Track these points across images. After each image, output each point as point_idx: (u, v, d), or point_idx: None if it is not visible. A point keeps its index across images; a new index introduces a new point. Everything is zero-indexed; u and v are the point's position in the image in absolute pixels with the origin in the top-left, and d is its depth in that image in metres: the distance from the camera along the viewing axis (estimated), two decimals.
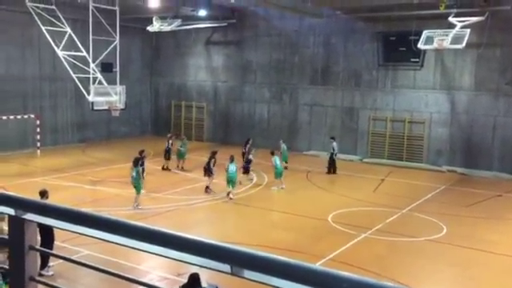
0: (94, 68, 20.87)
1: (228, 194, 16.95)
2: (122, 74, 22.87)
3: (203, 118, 31.46)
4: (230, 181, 17.18)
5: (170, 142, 21.65)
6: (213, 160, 18.28)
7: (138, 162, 16.13)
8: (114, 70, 21.55)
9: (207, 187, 17.53)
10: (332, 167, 21.91)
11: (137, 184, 15.44)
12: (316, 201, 17.32)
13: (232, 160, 17.56)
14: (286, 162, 21.74)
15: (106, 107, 21.43)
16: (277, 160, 18.76)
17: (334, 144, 22.12)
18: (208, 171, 17.82)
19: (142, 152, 17.42)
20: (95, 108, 21.20)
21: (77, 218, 2.15)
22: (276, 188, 18.48)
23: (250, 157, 19.03)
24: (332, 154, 21.97)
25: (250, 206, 16.18)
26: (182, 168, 21.35)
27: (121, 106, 21.80)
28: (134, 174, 15.59)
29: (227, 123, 30.53)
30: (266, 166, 20.84)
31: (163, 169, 21.20)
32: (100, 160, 23.51)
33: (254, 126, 29.40)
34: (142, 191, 15.72)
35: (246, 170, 19.00)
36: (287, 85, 28.16)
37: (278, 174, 18.64)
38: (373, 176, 21.79)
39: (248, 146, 21.76)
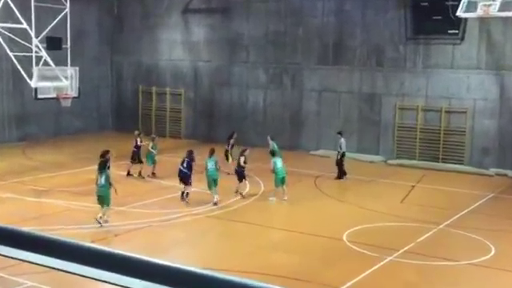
0: (38, 44, 20.76)
1: (215, 203, 17.32)
2: (74, 52, 22.77)
3: (180, 109, 31.46)
4: (211, 182, 17.46)
5: (139, 140, 21.59)
6: (194, 163, 18.48)
7: (106, 163, 16.16)
8: (63, 46, 21.47)
9: (186, 194, 17.94)
10: (339, 171, 21.97)
11: (105, 194, 15.41)
12: (327, 214, 17.35)
13: (211, 154, 18.01)
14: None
15: (53, 95, 21.36)
16: (278, 162, 18.73)
17: (342, 141, 22.19)
18: (184, 178, 17.93)
19: (105, 153, 17.31)
20: (39, 96, 21.12)
21: (17, 239, 2.14)
22: (274, 199, 18.42)
23: (242, 161, 18.84)
24: (339, 153, 22.03)
25: (241, 221, 16.20)
26: (154, 174, 21.34)
27: (73, 93, 21.73)
28: (103, 180, 15.54)
29: (211, 115, 30.53)
30: (262, 169, 20.85)
31: (129, 174, 21.18)
32: (46, 164, 23.44)
33: (245, 118, 29.44)
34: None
35: (241, 177, 18.91)
36: (289, 65, 28.19)
37: (279, 181, 18.47)
38: (400, 182, 21.86)
39: (232, 141, 21.86)
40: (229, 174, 20.43)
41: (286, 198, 18.39)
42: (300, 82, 28.07)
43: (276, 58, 28.50)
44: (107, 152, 17.61)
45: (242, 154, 19.09)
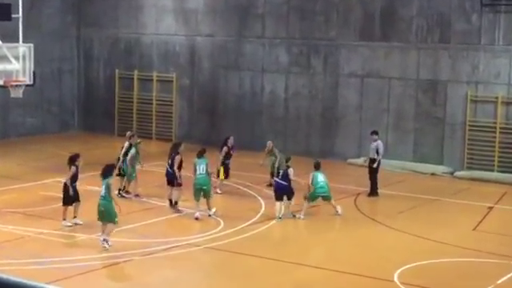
0: None
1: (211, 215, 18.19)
2: (27, 24, 22.88)
3: (171, 101, 31.56)
4: (197, 192, 18.34)
5: (126, 144, 21.37)
6: (177, 158, 19.27)
7: (111, 170, 16.85)
8: (13, 16, 21.59)
9: (171, 201, 19.31)
10: (372, 184, 22.14)
11: (107, 208, 15.95)
12: (372, 247, 17.28)
13: (201, 154, 18.86)
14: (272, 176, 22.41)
15: None
16: (318, 176, 19.57)
17: (378, 144, 22.18)
18: (171, 178, 19.18)
19: (75, 158, 17.60)
20: None
21: None
22: (301, 216, 19.00)
23: (291, 174, 19.37)
24: (370, 160, 22.18)
25: (254, 255, 16.18)
26: (126, 190, 21.12)
27: (26, 79, 21.82)
28: (103, 191, 15.98)
29: (213, 109, 30.59)
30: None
31: (127, 192, 21.16)
32: None
33: (260, 113, 29.48)
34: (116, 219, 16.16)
35: (289, 193, 19.42)
36: (320, 41, 28.19)
37: (316, 196, 19.49)
38: (472, 202, 21.74)
39: (225, 149, 21.98)
40: (217, 193, 21.14)
41: (339, 211, 19.53)
42: (335, 65, 28.05)
43: (302, 31, 28.50)
44: (77, 157, 17.72)
45: (286, 163, 19.62)
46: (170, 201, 19.46)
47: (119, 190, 20.66)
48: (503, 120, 25.30)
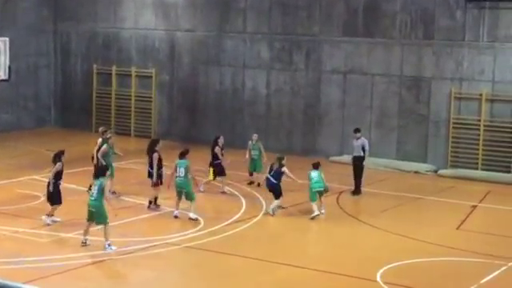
0: None
1: (192, 219, 18.15)
2: (3, 18, 22.66)
3: (151, 97, 31.44)
4: (178, 192, 18.45)
5: (101, 140, 21.12)
6: (155, 156, 19.35)
7: (106, 170, 16.86)
8: None
9: (151, 202, 19.35)
10: (356, 182, 22.22)
11: (100, 210, 15.82)
12: (355, 246, 17.27)
13: (182, 155, 18.83)
14: (256, 172, 22.91)
15: None
16: (311, 173, 19.71)
17: (364, 141, 22.28)
18: (152, 177, 19.38)
19: (59, 155, 17.49)
20: None
21: None
22: (319, 213, 19.27)
23: (287, 171, 19.50)
24: (357, 158, 22.23)
25: (236, 254, 16.13)
26: (114, 192, 20.95)
27: (1, 74, 21.67)
28: (95, 192, 15.76)
29: (194, 106, 30.50)
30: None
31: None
32: None
33: (241, 110, 29.43)
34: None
35: (278, 193, 19.51)
36: (302, 36, 28.17)
37: (316, 194, 19.48)
38: (456, 200, 21.82)
39: (216, 149, 21.81)
40: (200, 191, 20.94)
41: (323, 212, 19.52)
42: (317, 61, 28.04)
43: (284, 26, 28.48)
44: (61, 153, 17.70)
45: (280, 162, 19.53)
46: (150, 202, 19.42)
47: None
48: (487, 117, 25.39)
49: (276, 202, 19.38)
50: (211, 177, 21.71)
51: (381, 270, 15.09)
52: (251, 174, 22.95)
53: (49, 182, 17.52)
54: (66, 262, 15.11)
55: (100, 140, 20.99)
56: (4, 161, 25.43)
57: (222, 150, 21.89)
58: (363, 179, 22.33)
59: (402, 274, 15.14)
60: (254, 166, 22.86)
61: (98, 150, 20.64)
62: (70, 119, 32.73)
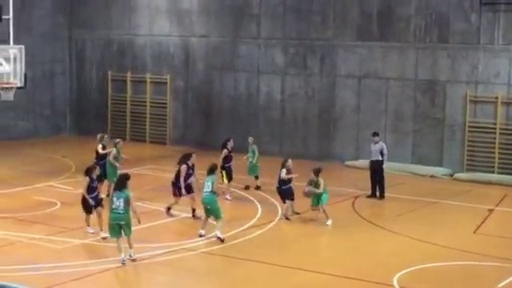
0: None
1: (219, 238, 17.21)
2: (18, 26, 22.81)
3: (165, 103, 31.52)
4: (205, 210, 17.49)
5: (100, 146, 21.19)
6: (183, 168, 19.14)
7: (127, 181, 15.97)
8: (3, 17, 21.55)
9: (167, 209, 19.46)
10: (378, 185, 22.14)
11: (130, 222, 15.51)
12: (371, 250, 17.23)
13: (212, 171, 17.74)
14: (257, 178, 22.98)
15: None
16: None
17: (382, 145, 22.26)
18: (177, 188, 19.17)
19: (91, 170, 17.45)
20: None
21: None
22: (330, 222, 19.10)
23: (284, 174, 19.43)
24: (375, 162, 22.18)
25: (252, 259, 16.14)
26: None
27: (17, 82, 21.78)
28: (122, 204, 15.33)
29: (208, 112, 30.57)
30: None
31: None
32: None
33: (256, 115, 29.46)
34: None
35: (285, 195, 19.60)
36: (316, 41, 28.19)
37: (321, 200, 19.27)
38: (473, 204, 21.75)
39: (225, 152, 21.92)
40: (227, 199, 21.04)
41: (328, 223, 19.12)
42: (332, 66, 28.06)
43: (298, 31, 28.51)
44: (92, 169, 17.41)
45: (283, 165, 19.53)
46: (168, 208, 19.48)
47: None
48: (503, 120, 25.31)
49: (285, 206, 19.42)
50: (226, 181, 21.68)
51: (397, 275, 15.05)
52: (257, 178, 23.01)
53: (84, 197, 17.34)
54: (83, 268, 15.16)
55: (100, 147, 21.12)
56: (20, 168, 25.58)
57: (230, 152, 21.90)
58: (385, 183, 22.31)
59: (419, 278, 15.09)
60: (250, 169, 23.04)
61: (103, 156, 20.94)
62: (85, 126, 32.87)
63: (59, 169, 24.92)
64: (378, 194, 22.21)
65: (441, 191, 23.48)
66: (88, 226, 17.50)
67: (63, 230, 17.72)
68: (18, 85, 21.89)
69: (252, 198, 21.77)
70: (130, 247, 15.57)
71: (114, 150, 21.00)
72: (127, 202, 15.40)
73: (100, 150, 21.13)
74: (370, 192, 22.31)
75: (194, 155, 19.81)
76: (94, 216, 17.40)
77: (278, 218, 19.55)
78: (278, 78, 29.04)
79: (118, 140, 21.69)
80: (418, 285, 14.62)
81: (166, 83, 31.30)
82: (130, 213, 15.51)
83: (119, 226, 15.36)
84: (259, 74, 29.40)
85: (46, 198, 20.81)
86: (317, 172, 19.25)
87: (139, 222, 15.68)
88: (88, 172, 17.45)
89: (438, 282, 14.91)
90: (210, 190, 17.35)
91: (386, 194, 22.30)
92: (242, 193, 22.27)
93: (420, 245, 17.61)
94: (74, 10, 33.28)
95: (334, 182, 23.70)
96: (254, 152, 22.96)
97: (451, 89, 26.05)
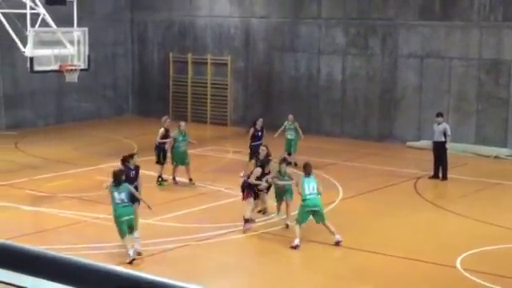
0: None
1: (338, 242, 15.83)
2: (81, 9, 23.16)
3: (226, 84, 31.68)
4: (305, 213, 15.88)
5: (162, 130, 20.99)
6: (256, 171, 17.15)
7: (121, 176, 15.26)
8: (67, 0, 21.89)
9: (245, 220, 16.78)
10: (441, 166, 21.93)
11: (134, 213, 15.18)
12: (433, 232, 17.21)
13: (308, 173, 16.28)
14: (289, 154, 22.36)
15: (54, 67, 21.78)
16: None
17: (446, 126, 22.01)
18: (247, 189, 16.93)
19: (127, 159, 16.47)
20: (36, 68, 21.59)
21: (29, 261, 2.22)
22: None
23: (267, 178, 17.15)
24: (438, 143, 21.92)
25: (313, 240, 16.19)
26: (190, 179, 20.88)
27: (80, 63, 22.13)
28: (123, 196, 14.86)
29: (269, 92, 30.62)
30: (343, 167, 20.77)
31: (160, 179, 20.87)
32: (45, 161, 24.05)
33: (316, 96, 29.43)
34: None
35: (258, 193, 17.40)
36: (377, 21, 27.97)
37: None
38: None
39: (252, 129, 21.69)
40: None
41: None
42: (394, 46, 27.81)
43: (359, 11, 28.31)
44: (131, 157, 16.57)
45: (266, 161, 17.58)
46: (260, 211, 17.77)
47: (159, 177, 20.59)
48: None
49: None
50: (248, 158, 21.07)
51: (460, 257, 14.99)
52: (289, 154, 22.63)
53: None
54: (147, 247, 15.45)
55: (162, 129, 20.92)
56: (84, 149, 26.07)
57: (259, 131, 21.65)
58: (449, 164, 22.09)
59: (482, 260, 15.02)
60: (289, 146, 22.96)
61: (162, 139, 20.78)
62: (147, 107, 33.27)
63: (122, 150, 25.24)
64: (440, 175, 22.01)
65: (505, 172, 23.21)
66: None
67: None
68: (82, 67, 22.24)
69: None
70: (137, 241, 15.00)
71: (178, 132, 20.85)
72: (129, 195, 14.96)
73: (158, 138, 20.86)
74: (432, 173, 22.13)
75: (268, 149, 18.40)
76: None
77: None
78: (339, 58, 28.92)
79: (181, 122, 21.55)
80: (481, 267, 14.55)
81: (227, 64, 31.44)
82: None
83: (128, 224, 14.73)
84: (320, 54, 29.31)
85: (109, 178, 21.13)
86: (282, 161, 17.47)
87: (150, 208, 15.21)
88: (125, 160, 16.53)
89: (502, 265, 14.79)
90: (315, 191, 15.93)
91: (449, 175, 22.10)
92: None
93: (483, 226, 17.49)
94: None
95: (395, 162, 23.66)
96: (296, 130, 22.89)
97: None
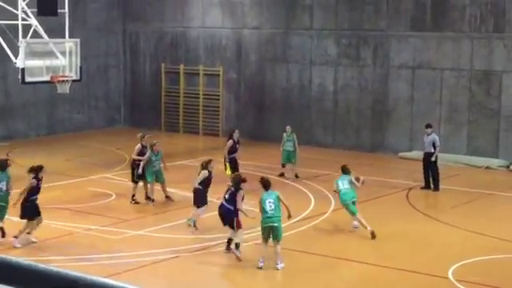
0: (26, 8, 21.20)
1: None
2: (73, 19, 23.14)
3: (218, 95, 31.67)
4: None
5: (139, 146, 20.14)
6: (204, 174, 17.77)
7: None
8: (59, 11, 21.88)
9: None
10: (432, 177, 21.97)
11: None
12: (425, 242, 17.20)
13: (345, 171, 17.70)
14: (290, 162, 23.12)
15: (46, 78, 21.78)
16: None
17: (435, 137, 22.08)
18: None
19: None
20: (28, 80, 21.56)
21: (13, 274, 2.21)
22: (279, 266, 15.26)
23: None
24: (427, 154, 22.02)
25: (306, 251, 16.19)
26: (167, 197, 20.22)
27: (72, 75, 22.11)
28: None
29: (261, 103, 30.63)
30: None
31: (133, 200, 19.91)
32: None
33: (308, 107, 29.44)
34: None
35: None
36: (369, 32, 28.04)
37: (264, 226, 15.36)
38: None
39: (230, 143, 21.73)
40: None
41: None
42: (385, 56, 27.87)
43: (351, 22, 28.37)
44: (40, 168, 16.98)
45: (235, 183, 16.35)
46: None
47: (133, 196, 19.81)
48: None
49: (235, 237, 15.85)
50: (228, 172, 20.78)
51: (452, 267, 14.99)
52: (284, 166, 23.14)
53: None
54: (139, 258, 15.42)
55: (139, 145, 20.12)
56: (76, 159, 26.02)
57: (236, 144, 21.71)
58: (440, 175, 22.10)
59: (475, 271, 15.01)
60: (288, 158, 23.07)
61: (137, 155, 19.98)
62: (139, 118, 33.23)
63: (114, 161, 25.27)
64: (432, 185, 22.04)
65: (496, 183, 23.25)
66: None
67: (118, 221, 18.00)
68: (74, 78, 22.21)
69: (304, 189, 21.76)
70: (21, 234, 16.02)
71: (149, 153, 19.87)
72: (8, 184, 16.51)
73: (134, 155, 20.13)
74: (423, 184, 22.15)
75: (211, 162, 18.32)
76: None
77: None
78: (331, 69, 28.97)
79: (155, 141, 20.55)
80: (474, 277, 14.53)
81: (219, 75, 31.46)
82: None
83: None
84: (312, 65, 29.36)
85: (101, 189, 21.14)
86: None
87: (15, 205, 16.30)
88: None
89: (494, 275, 14.81)
90: (349, 186, 17.47)
91: (441, 186, 22.13)
92: (294, 184, 22.28)
93: (475, 237, 17.50)
94: (127, 3, 33.63)
95: (387, 173, 23.69)
96: (294, 141, 22.98)
97: (507, 79, 25.68)
